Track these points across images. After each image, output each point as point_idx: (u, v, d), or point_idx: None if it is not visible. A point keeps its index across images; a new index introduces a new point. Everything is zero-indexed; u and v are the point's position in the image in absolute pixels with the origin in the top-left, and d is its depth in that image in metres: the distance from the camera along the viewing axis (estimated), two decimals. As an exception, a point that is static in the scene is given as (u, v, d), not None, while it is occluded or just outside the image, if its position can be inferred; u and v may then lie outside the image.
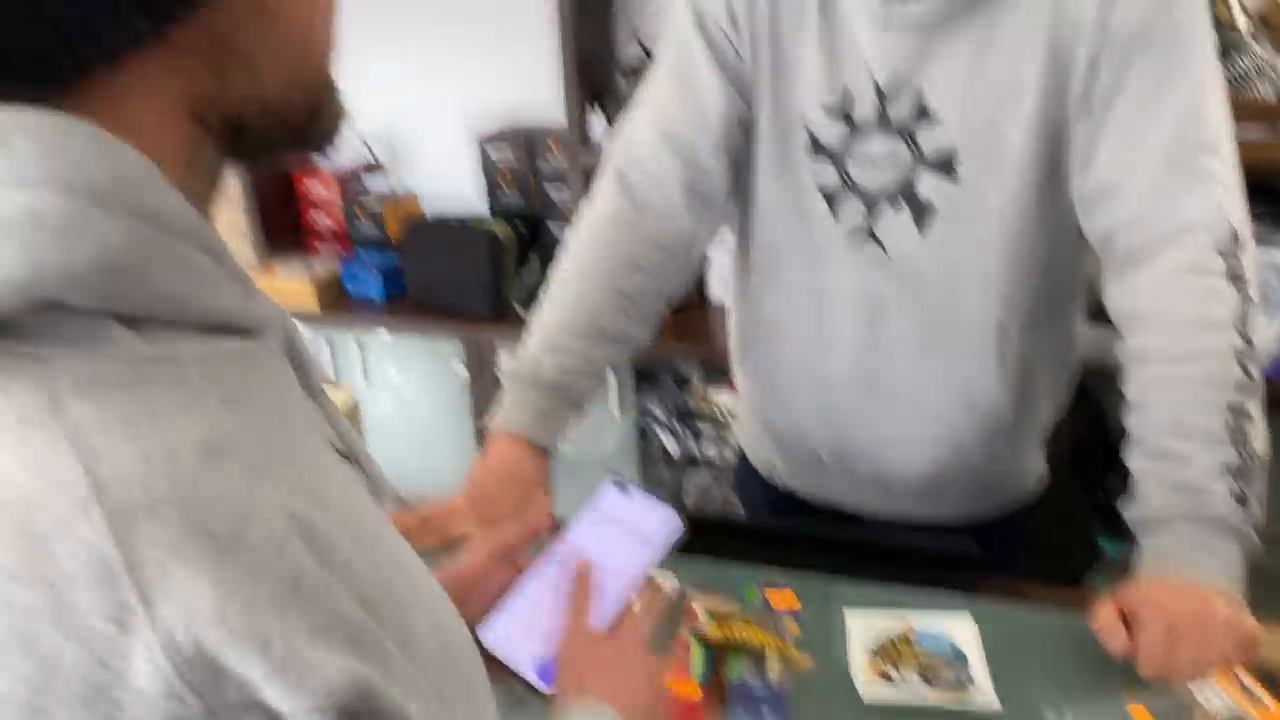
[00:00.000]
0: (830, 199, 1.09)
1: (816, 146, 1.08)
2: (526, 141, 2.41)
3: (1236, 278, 0.93)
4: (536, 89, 2.40)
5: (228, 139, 0.47)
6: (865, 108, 1.04)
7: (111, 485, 0.37)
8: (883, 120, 1.04)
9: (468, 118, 2.51)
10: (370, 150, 2.62)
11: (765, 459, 1.33)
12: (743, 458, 1.39)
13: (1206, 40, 0.97)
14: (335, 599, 0.39)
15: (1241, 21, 1.75)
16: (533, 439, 1.10)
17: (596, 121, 2.22)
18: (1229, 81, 1.77)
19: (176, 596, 0.36)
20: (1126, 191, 0.97)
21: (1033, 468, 1.25)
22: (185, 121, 0.45)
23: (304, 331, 2.51)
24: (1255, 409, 0.92)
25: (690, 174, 1.13)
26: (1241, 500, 0.89)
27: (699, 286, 2.30)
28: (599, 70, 2.27)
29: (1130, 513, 0.96)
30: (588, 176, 2.26)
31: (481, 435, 2.45)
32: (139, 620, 0.36)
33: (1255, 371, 0.92)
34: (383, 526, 0.47)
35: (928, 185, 1.04)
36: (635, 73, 2.27)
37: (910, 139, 1.03)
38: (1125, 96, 0.96)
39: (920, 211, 1.05)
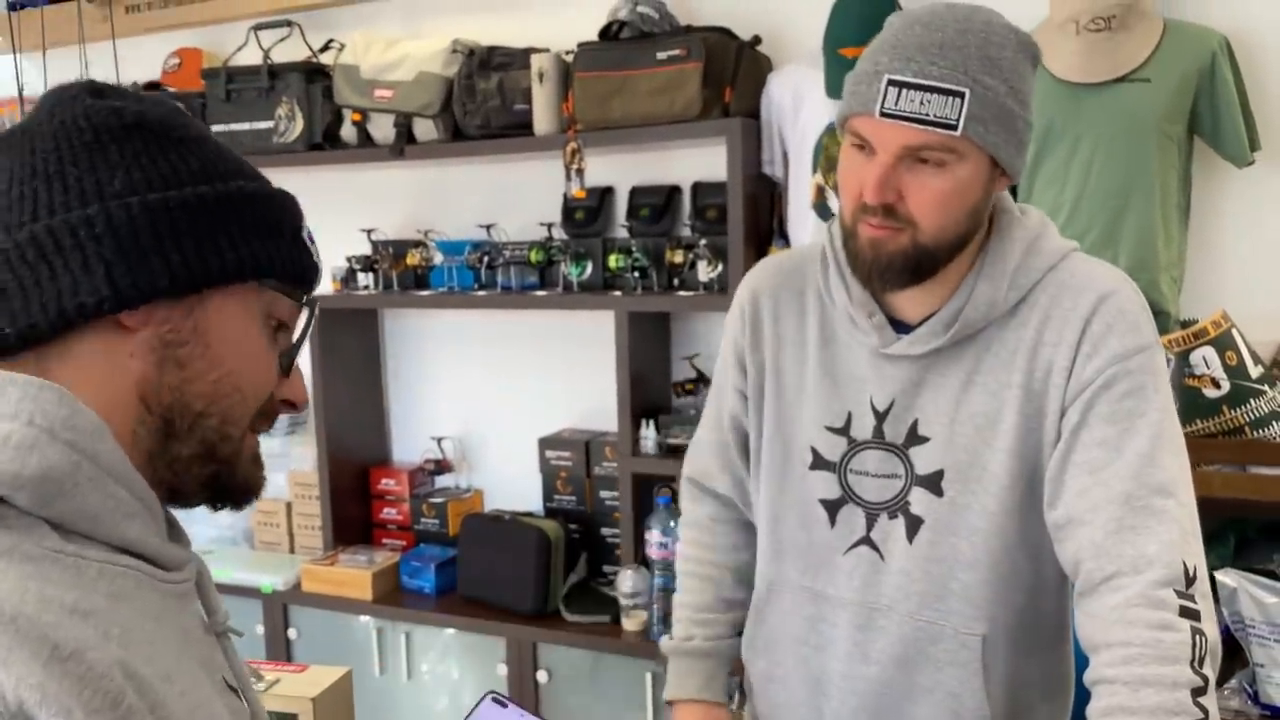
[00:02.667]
0: (830, 508, 1.17)
1: (819, 461, 1.18)
2: (584, 446, 2.57)
3: (1190, 613, 0.96)
4: (596, 400, 2.59)
5: (164, 436, 0.67)
6: (864, 429, 1.15)
7: None
8: (879, 438, 1.14)
9: (533, 422, 2.70)
10: (440, 449, 2.81)
11: None
12: None
13: (1164, 393, 1.05)
14: None
15: (1253, 369, 1.84)
16: (709, 699, 1.30)
17: (648, 433, 2.37)
18: (1246, 427, 1.83)
19: (14, 670, 0.52)
20: (1090, 526, 1.02)
21: None
22: (134, 398, 0.66)
23: (360, 619, 2.59)
24: None
25: (737, 476, 1.33)
26: None
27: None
28: (652, 387, 2.46)
29: None
30: (638, 483, 2.38)
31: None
32: None
33: (1207, 704, 0.94)
34: None
35: (918, 499, 1.12)
36: (685, 390, 2.45)
37: (904, 456, 1.13)
38: (1090, 438, 1.03)
39: (912, 522, 1.13)
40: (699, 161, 2.45)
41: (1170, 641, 0.95)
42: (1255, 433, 1.83)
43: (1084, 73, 1.97)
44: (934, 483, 1.11)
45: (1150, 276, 1.97)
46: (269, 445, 2.88)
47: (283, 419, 3.10)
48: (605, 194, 2.57)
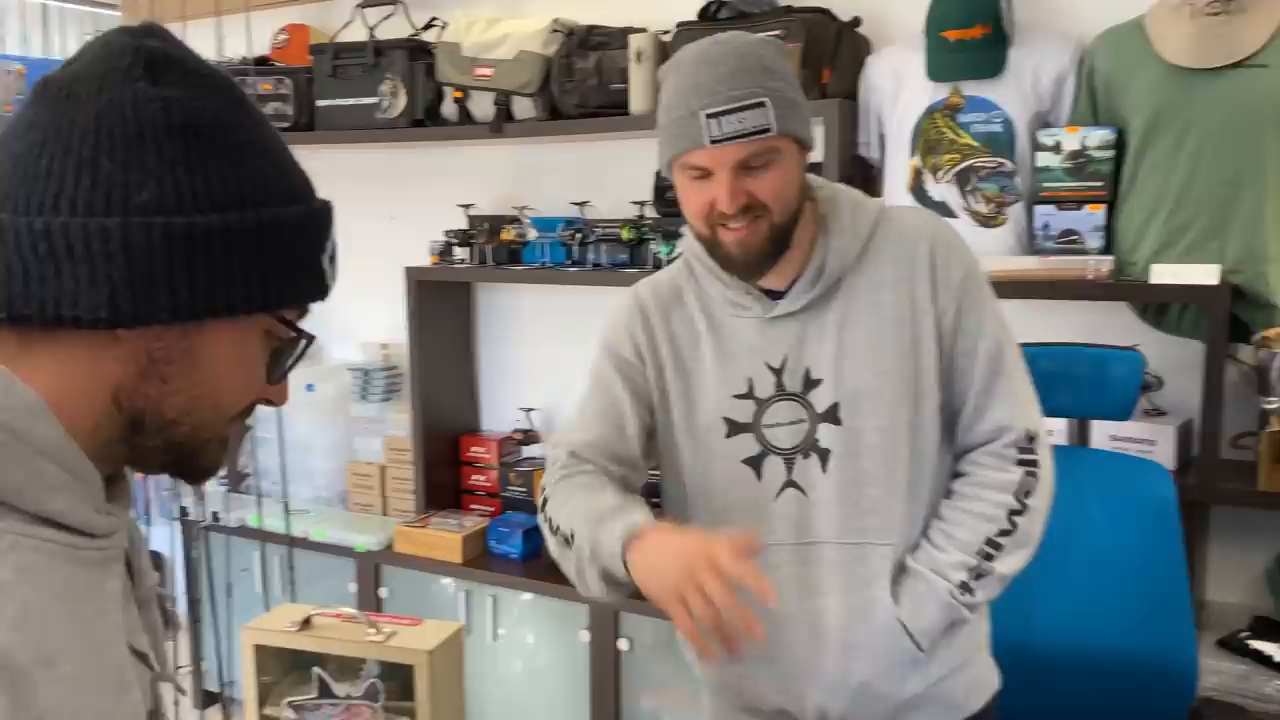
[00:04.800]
0: (753, 464, 1.32)
1: (734, 427, 1.32)
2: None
3: (1026, 463, 1.29)
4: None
5: (129, 431, 0.68)
6: (766, 387, 1.32)
7: None
8: (780, 391, 1.31)
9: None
10: (529, 420, 2.88)
11: None
12: None
13: (993, 296, 1.34)
14: None
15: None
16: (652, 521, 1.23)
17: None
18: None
19: None
20: (961, 406, 1.33)
21: (975, 676, 1.38)
22: (107, 396, 0.66)
23: (448, 581, 2.68)
24: (1011, 547, 1.27)
25: (613, 465, 1.37)
26: (967, 590, 1.26)
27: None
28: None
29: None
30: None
31: (599, 702, 2.48)
32: None
33: (1021, 522, 1.27)
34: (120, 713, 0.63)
35: (823, 434, 1.30)
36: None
37: (804, 401, 1.30)
38: (958, 349, 1.30)
39: (823, 455, 1.30)
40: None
41: (1000, 478, 1.29)
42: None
43: (1198, 57, 1.92)
44: (833, 415, 1.29)
45: (1257, 269, 1.92)
46: (366, 411, 2.99)
47: (379, 386, 3.18)
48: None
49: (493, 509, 2.85)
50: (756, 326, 1.32)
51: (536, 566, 2.60)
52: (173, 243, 0.63)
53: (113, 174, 0.62)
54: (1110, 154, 2.04)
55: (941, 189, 2.17)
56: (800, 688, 1.33)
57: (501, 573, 2.61)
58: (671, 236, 2.49)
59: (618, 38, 2.44)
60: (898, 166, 2.23)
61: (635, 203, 2.56)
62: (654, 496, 1.41)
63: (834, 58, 2.22)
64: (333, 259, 0.73)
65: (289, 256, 0.69)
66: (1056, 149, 2.07)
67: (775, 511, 1.31)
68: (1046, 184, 2.08)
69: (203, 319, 0.66)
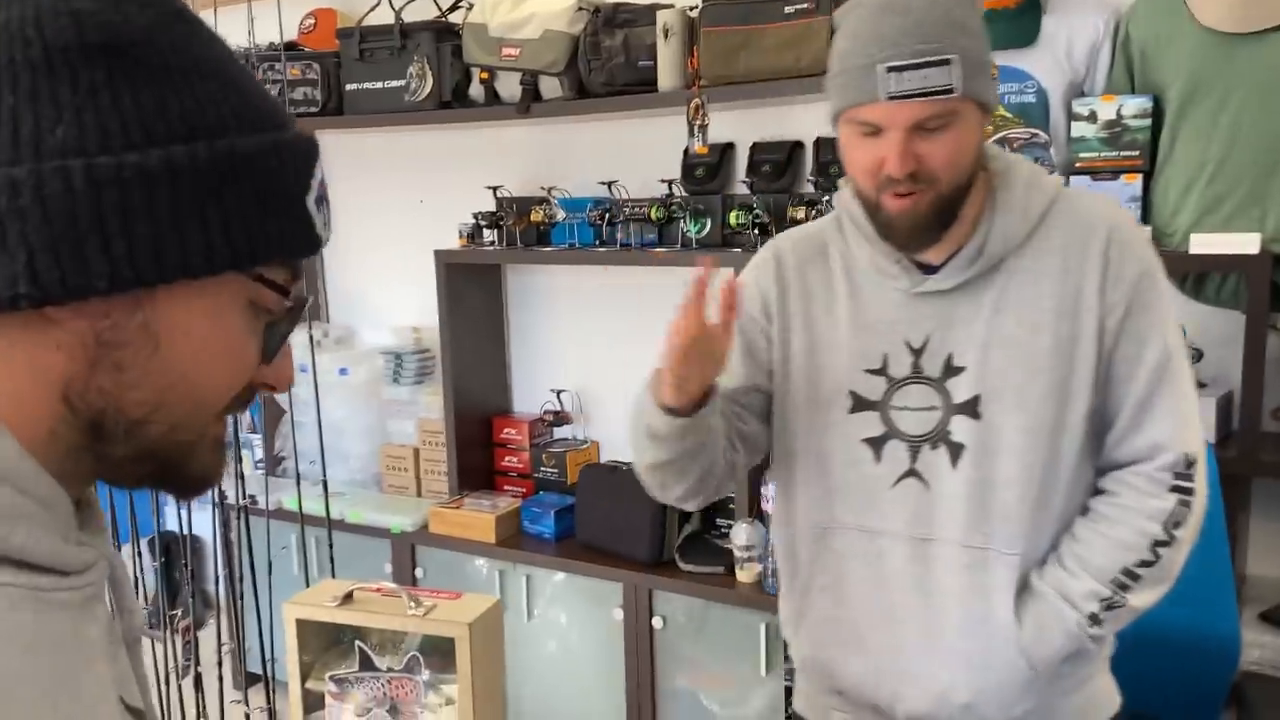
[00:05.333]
0: (874, 445, 1.25)
1: (860, 403, 1.25)
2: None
3: (1181, 490, 1.18)
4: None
5: (90, 437, 0.54)
6: (902, 367, 1.23)
7: None
8: (917, 373, 1.23)
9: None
10: (559, 401, 2.89)
11: None
12: None
13: (1170, 301, 1.22)
14: None
15: None
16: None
17: (765, 389, 2.39)
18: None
19: None
20: (1115, 417, 1.21)
21: (1092, 695, 1.28)
22: (56, 396, 0.52)
23: (483, 561, 2.70)
24: (1150, 581, 1.17)
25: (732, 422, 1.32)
26: (1096, 622, 1.17)
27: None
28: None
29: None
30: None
31: (634, 679, 2.50)
32: None
33: (1165, 555, 1.17)
34: None
35: (957, 426, 1.21)
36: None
37: (941, 388, 1.21)
38: (1120, 354, 1.19)
39: (954, 449, 1.21)
40: (822, 117, 2.42)
41: (1151, 505, 1.18)
42: None
43: (1238, 22, 1.88)
44: (972, 408, 1.20)
45: (1301, 237, 1.88)
46: (398, 394, 3.01)
47: (411, 369, 3.19)
48: (726, 150, 2.58)
49: (525, 490, 2.86)
50: (901, 299, 1.23)
51: (570, 546, 2.61)
52: (100, 189, 0.49)
53: (17, 110, 0.49)
54: (1147, 123, 2.01)
55: (974, 161, 2.14)
56: (900, 687, 1.26)
57: (535, 552, 2.63)
58: (700, 215, 2.48)
59: (645, 14, 2.42)
60: (929, 139, 2.20)
61: (663, 180, 2.55)
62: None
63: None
64: (322, 202, 0.59)
65: (257, 199, 0.54)
66: (1092, 118, 2.04)
67: (890, 498, 1.24)
68: (1082, 154, 2.05)
69: (153, 284, 0.51)
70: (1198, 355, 2.04)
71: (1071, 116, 2.07)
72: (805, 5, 2.16)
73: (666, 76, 2.38)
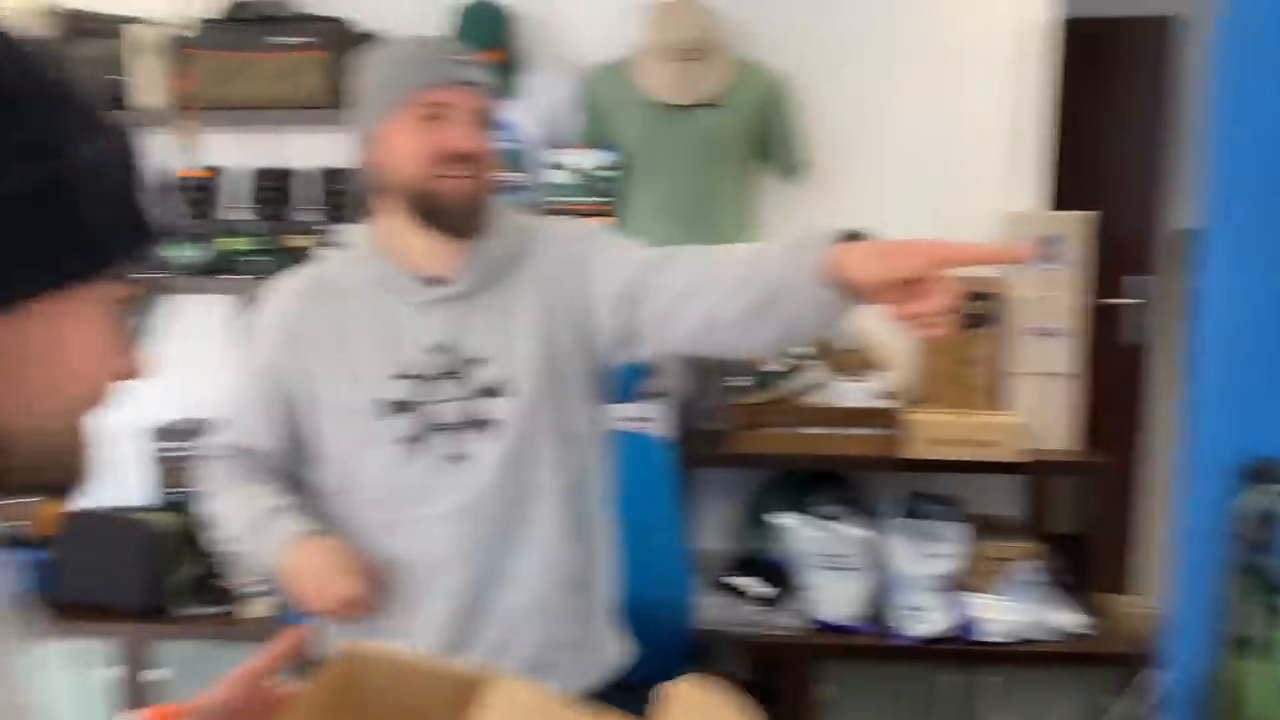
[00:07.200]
0: (411, 441, 1.37)
1: (395, 407, 1.37)
2: (200, 433, 2.45)
3: None
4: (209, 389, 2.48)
5: None
6: (427, 366, 1.37)
7: None
8: (442, 370, 1.37)
9: (144, 410, 2.53)
10: None
11: None
12: None
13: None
14: None
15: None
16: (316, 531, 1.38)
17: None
18: (796, 396, 2.24)
19: None
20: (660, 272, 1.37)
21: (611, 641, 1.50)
22: None
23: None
24: None
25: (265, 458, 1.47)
26: None
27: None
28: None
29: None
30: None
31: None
32: None
33: None
34: None
35: (483, 406, 1.38)
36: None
37: (465, 377, 1.37)
38: (603, 274, 1.38)
39: (483, 425, 1.38)
40: (323, 147, 2.45)
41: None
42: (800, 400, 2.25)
43: (676, 95, 2.29)
44: (491, 389, 1.37)
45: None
46: None
47: None
48: (216, 175, 2.48)
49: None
50: (413, 311, 1.38)
51: (52, 605, 2.32)
52: None
53: None
54: (614, 173, 2.35)
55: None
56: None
57: None
58: (195, 240, 2.36)
59: (111, 28, 2.27)
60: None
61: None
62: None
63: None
64: (144, 187, 0.59)
65: (101, 201, 0.54)
66: (566, 167, 2.34)
67: (436, 487, 1.37)
68: (562, 199, 2.33)
69: (8, 305, 0.52)
70: (658, 370, 2.41)
71: (549, 165, 2.35)
72: (308, 39, 2.18)
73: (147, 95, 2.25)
